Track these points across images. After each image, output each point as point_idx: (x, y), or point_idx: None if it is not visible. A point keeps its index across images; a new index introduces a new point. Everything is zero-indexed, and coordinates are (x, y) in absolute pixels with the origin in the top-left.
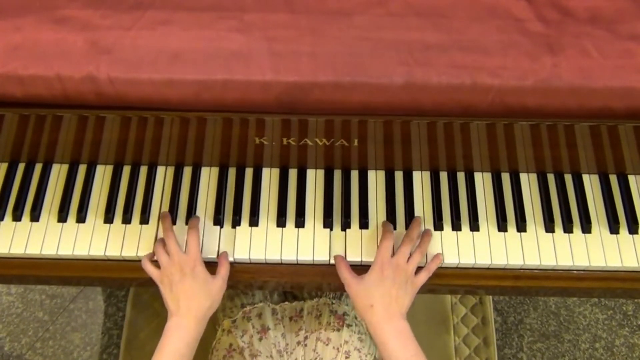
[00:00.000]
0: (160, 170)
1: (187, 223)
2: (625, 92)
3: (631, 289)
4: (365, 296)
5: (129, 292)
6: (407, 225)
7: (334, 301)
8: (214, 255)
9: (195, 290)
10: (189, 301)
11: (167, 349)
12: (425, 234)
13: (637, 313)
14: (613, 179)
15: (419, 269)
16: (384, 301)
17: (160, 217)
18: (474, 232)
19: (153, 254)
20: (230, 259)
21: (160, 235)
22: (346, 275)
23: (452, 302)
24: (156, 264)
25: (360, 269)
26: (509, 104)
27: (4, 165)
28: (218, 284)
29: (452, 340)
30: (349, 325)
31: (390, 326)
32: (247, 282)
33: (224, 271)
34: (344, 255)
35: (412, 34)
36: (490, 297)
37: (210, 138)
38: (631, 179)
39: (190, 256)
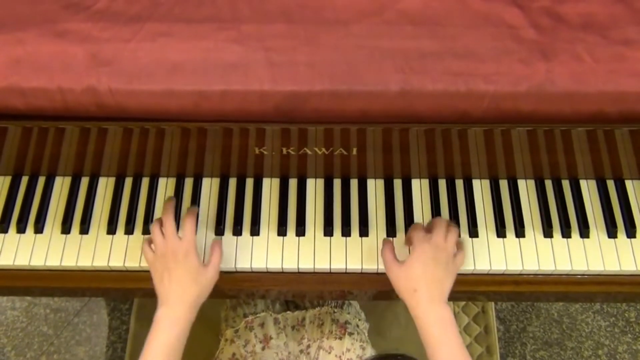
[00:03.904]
0: (162, 181)
1: None
2: (619, 97)
3: (631, 292)
4: (408, 279)
5: (132, 305)
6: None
7: (335, 310)
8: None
9: (186, 279)
10: (179, 289)
11: (157, 342)
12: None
13: None
14: (610, 184)
15: None
16: (428, 285)
17: (165, 199)
18: (473, 239)
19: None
20: (232, 268)
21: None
22: (388, 258)
23: (455, 311)
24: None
25: (361, 276)
26: (504, 109)
27: (8, 179)
28: (210, 273)
29: None
30: (350, 334)
31: (433, 313)
32: (249, 291)
33: (215, 260)
34: (344, 261)
35: (407, 42)
36: (493, 305)
37: (210, 149)
38: (628, 183)
39: (184, 242)
